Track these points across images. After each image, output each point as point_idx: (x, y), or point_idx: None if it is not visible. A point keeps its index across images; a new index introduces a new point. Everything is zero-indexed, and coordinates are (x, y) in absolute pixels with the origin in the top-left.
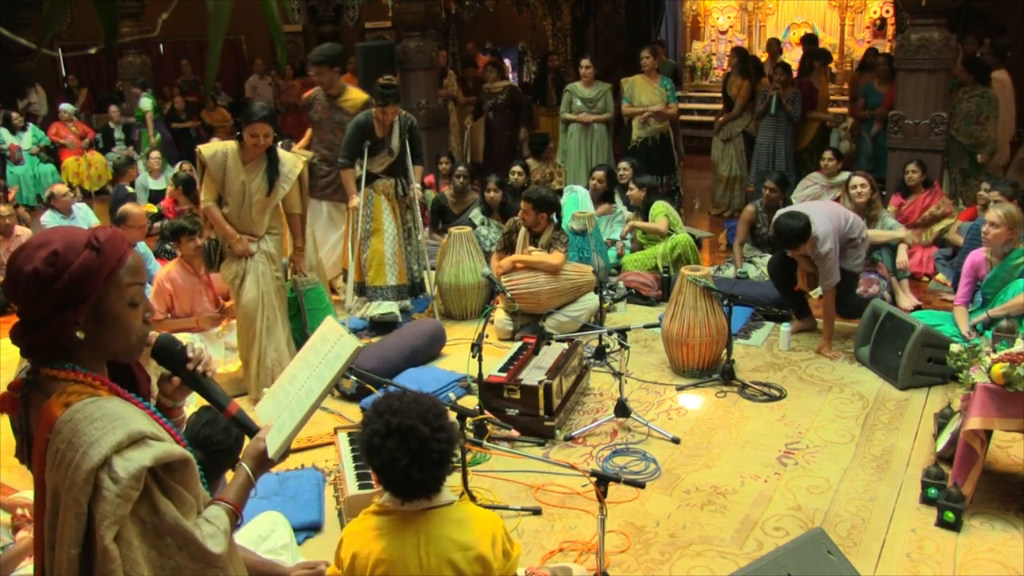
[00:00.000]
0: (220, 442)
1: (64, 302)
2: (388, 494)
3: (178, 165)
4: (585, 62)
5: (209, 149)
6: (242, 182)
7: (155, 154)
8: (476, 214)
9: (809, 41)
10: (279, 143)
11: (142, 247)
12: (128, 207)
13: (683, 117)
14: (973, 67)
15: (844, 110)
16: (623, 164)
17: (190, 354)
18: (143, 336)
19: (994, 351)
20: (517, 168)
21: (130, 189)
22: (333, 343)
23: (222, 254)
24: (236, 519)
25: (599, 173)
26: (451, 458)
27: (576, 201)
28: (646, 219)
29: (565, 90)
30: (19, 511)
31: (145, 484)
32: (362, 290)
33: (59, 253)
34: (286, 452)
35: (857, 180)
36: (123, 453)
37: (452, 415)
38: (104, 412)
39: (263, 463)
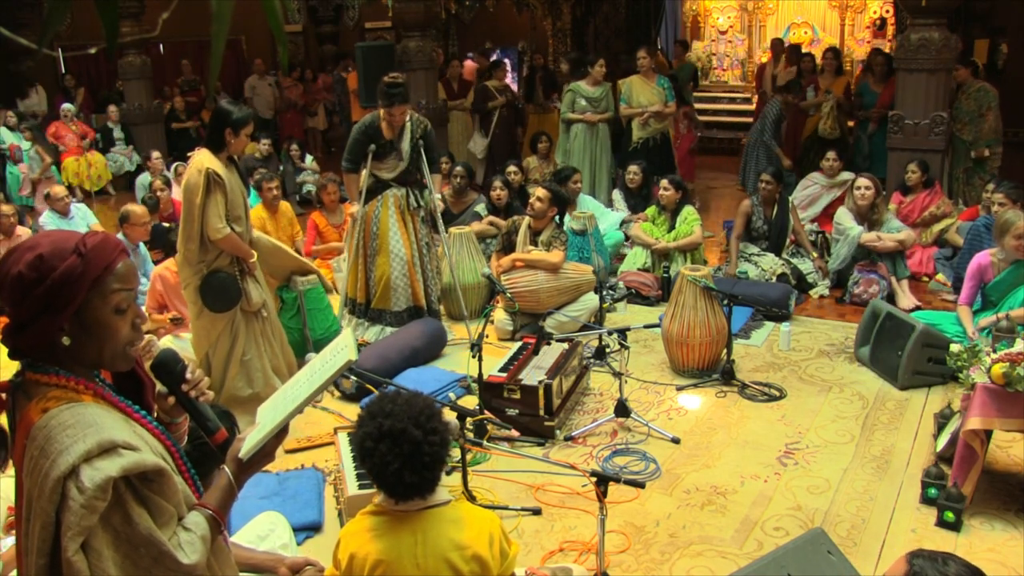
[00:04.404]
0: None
1: (45, 307)
2: (383, 494)
3: (147, 176)
4: (601, 61)
5: (217, 167)
6: (241, 192)
7: (156, 153)
8: (481, 208)
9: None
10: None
11: (142, 249)
12: (130, 206)
13: None
14: (968, 62)
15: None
16: (633, 168)
17: (188, 375)
18: (131, 343)
19: (994, 351)
20: (513, 168)
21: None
22: (336, 352)
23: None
24: (218, 524)
25: (635, 167)
26: (444, 460)
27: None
28: (674, 220)
29: (568, 89)
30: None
31: (119, 493)
32: (365, 311)
33: (44, 257)
34: (267, 455)
35: (862, 182)
36: (92, 462)
37: (452, 415)
38: (78, 419)
39: (242, 465)
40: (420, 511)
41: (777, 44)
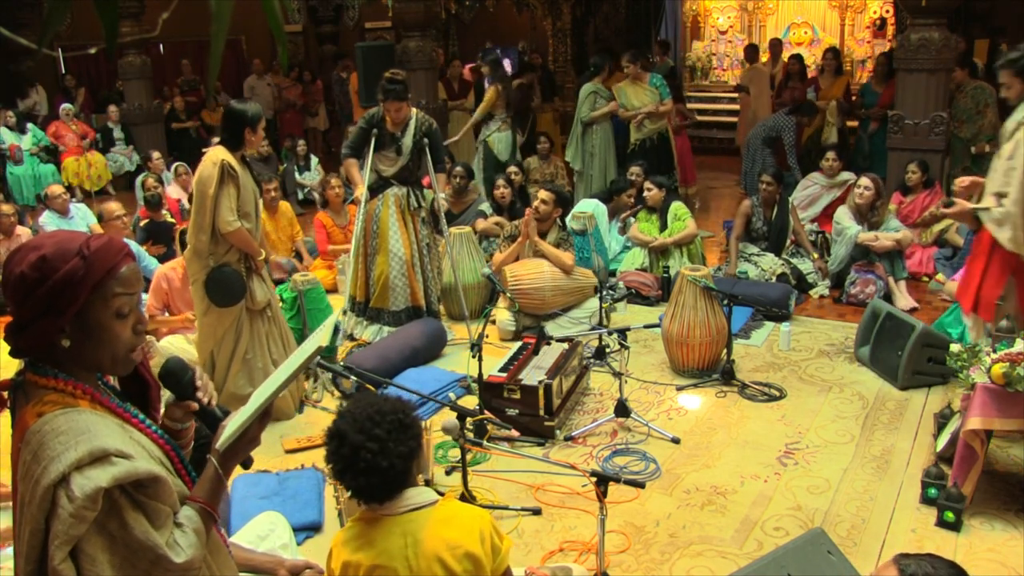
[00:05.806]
0: (207, 435)
1: (46, 308)
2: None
3: (143, 176)
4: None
5: (232, 160)
6: (253, 191)
7: (156, 153)
8: (486, 207)
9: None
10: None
11: (133, 247)
12: (105, 204)
13: None
14: (967, 63)
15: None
16: (635, 170)
17: (198, 383)
18: (132, 348)
19: (994, 351)
20: (513, 168)
21: (168, 216)
22: (315, 336)
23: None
24: (210, 515)
25: (637, 168)
26: (383, 469)
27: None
28: (664, 219)
29: (589, 91)
30: None
31: (113, 500)
32: (364, 310)
33: (47, 258)
34: (251, 439)
35: (864, 181)
36: (83, 471)
37: (453, 415)
38: (71, 426)
39: (225, 455)
40: (407, 512)
41: (776, 44)
